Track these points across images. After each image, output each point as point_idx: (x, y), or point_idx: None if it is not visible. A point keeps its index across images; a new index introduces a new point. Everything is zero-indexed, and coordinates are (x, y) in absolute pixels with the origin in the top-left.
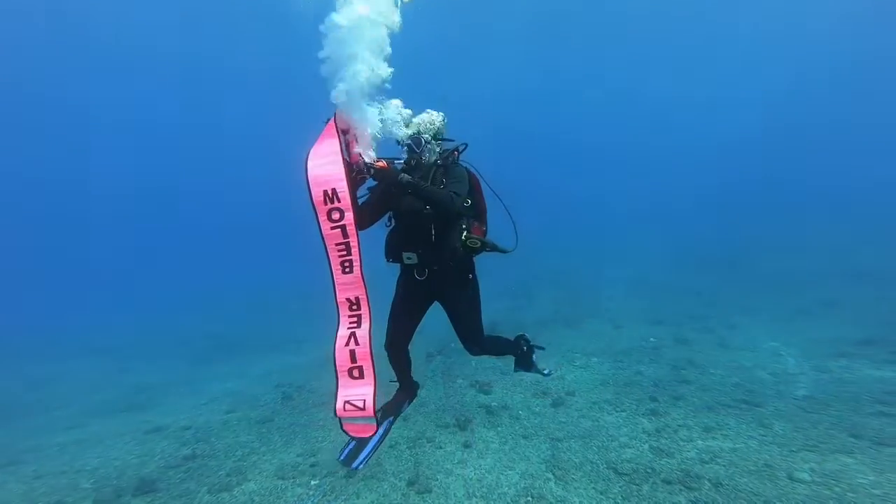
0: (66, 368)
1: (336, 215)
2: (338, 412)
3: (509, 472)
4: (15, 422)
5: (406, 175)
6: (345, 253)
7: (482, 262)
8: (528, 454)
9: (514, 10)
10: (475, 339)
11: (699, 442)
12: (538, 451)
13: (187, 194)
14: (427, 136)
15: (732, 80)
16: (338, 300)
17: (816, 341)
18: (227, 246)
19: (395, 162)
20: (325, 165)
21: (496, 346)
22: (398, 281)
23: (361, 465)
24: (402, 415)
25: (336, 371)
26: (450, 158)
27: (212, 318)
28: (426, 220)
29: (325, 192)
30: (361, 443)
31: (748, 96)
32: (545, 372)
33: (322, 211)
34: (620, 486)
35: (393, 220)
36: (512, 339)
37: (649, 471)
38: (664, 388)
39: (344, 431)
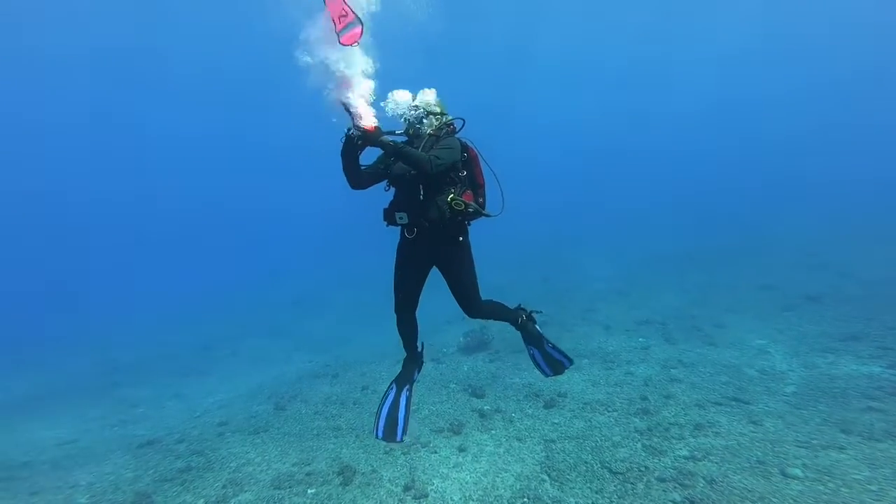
0: (59, 380)
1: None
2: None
3: (505, 474)
4: (5, 435)
5: (387, 136)
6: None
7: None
8: (523, 456)
9: None
10: (472, 301)
11: (691, 440)
12: (532, 452)
13: (175, 199)
14: (426, 109)
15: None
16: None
17: (802, 337)
18: (216, 257)
19: (396, 132)
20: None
21: (494, 311)
22: (397, 248)
23: (403, 436)
24: (415, 381)
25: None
26: (443, 130)
27: (199, 330)
28: (415, 182)
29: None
30: (391, 418)
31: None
32: (567, 362)
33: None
34: (615, 485)
35: (391, 187)
36: (511, 307)
37: (643, 469)
38: (654, 388)
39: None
